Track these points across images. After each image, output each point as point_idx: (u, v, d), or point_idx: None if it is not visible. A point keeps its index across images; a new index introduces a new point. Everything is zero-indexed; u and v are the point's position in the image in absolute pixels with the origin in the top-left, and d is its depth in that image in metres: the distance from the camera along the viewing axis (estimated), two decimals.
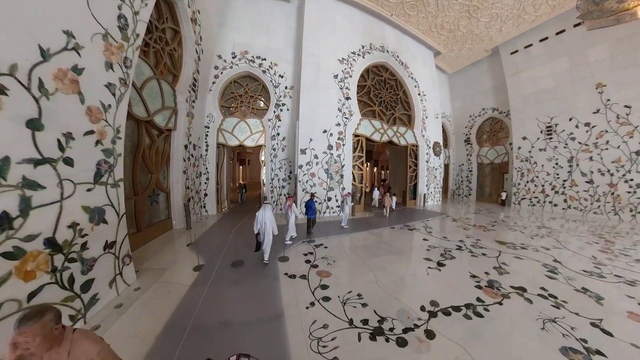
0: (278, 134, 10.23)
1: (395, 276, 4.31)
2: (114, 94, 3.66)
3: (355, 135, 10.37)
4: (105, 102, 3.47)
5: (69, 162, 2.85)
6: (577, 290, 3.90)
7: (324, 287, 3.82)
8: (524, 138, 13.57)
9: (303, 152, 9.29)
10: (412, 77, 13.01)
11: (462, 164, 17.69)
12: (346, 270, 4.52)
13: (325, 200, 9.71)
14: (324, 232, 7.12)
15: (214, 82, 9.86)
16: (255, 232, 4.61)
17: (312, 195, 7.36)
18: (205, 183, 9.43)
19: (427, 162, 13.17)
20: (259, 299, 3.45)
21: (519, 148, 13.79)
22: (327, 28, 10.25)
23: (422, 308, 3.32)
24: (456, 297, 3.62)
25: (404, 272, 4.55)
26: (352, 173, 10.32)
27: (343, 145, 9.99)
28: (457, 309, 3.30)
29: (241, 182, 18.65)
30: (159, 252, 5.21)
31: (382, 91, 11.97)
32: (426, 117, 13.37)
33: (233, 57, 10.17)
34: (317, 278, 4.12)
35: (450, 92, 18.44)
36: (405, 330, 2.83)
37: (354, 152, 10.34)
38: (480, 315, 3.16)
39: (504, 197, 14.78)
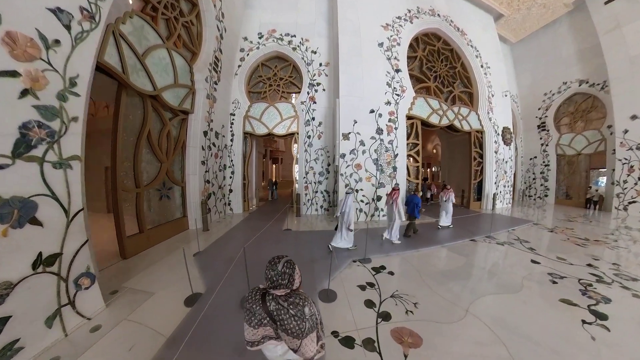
0: (313, 119, 8.60)
1: (541, 344, 2.26)
2: (67, 27, 2.39)
3: (409, 118, 8.26)
4: (47, 35, 2.20)
5: None
6: None
7: None
8: (634, 117, 9.96)
9: (346, 137, 7.36)
10: (471, 45, 10.48)
11: (535, 157, 14.15)
12: (445, 329, 2.47)
13: (373, 200, 7.70)
14: (381, 246, 5.09)
15: (239, 66, 8.78)
16: (338, 213, 4.63)
17: (415, 190, 5.93)
18: (230, 177, 8.29)
19: (495, 152, 10.47)
20: None
21: (625, 132, 10.12)
22: None
23: None
24: None
25: (547, 332, 2.45)
26: (407, 166, 8.16)
27: (395, 129, 7.88)
28: None
29: (272, 178, 17.63)
30: (157, 263, 3.95)
31: (436, 63, 9.72)
32: (492, 95, 10.70)
33: (260, 38, 9.01)
34: (398, 349, 2.18)
35: (514, 66, 15.12)
36: None
37: (407, 138, 8.22)
38: None
39: (594, 198, 11.26)
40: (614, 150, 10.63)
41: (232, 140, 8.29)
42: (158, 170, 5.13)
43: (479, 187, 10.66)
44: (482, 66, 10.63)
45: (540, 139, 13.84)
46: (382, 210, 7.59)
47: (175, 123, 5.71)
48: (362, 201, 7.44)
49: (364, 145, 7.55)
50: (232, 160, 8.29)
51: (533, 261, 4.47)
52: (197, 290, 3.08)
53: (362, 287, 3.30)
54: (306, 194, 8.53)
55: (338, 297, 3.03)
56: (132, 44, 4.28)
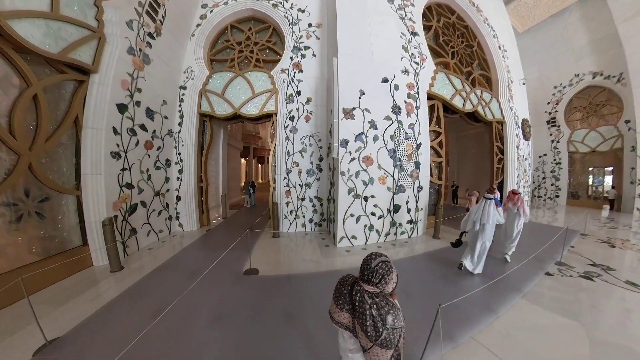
0: (299, 93, 6.13)
1: None
2: None
3: (429, 97, 6.11)
4: None
5: None
6: None
7: None
8: None
9: (349, 114, 4.84)
10: (487, 24, 8.84)
11: (544, 154, 13.06)
12: None
13: (389, 211, 5.29)
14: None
15: (198, 25, 6.35)
16: (462, 229, 3.86)
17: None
18: (178, 179, 5.78)
19: (517, 147, 8.81)
20: None
21: None
22: None
23: None
24: None
25: None
26: (430, 161, 5.97)
27: (417, 108, 5.60)
28: None
29: (249, 180, 15.03)
30: None
31: (453, 38, 7.87)
32: (511, 82, 9.10)
33: None
34: None
35: (521, 58, 13.90)
36: None
37: (428, 123, 5.98)
38: None
39: (612, 197, 10.49)
40: (633, 146, 9.85)
41: (180, 124, 5.78)
42: (10, 170, 2.66)
43: (499, 188, 9.00)
44: (499, 48, 9.03)
45: (551, 134, 12.80)
46: (400, 225, 5.38)
47: (57, 87, 3.23)
48: (373, 214, 5.05)
49: (376, 129, 5.06)
50: (179, 154, 5.74)
51: None
52: None
53: None
54: (288, 203, 6.11)
55: None
56: None
